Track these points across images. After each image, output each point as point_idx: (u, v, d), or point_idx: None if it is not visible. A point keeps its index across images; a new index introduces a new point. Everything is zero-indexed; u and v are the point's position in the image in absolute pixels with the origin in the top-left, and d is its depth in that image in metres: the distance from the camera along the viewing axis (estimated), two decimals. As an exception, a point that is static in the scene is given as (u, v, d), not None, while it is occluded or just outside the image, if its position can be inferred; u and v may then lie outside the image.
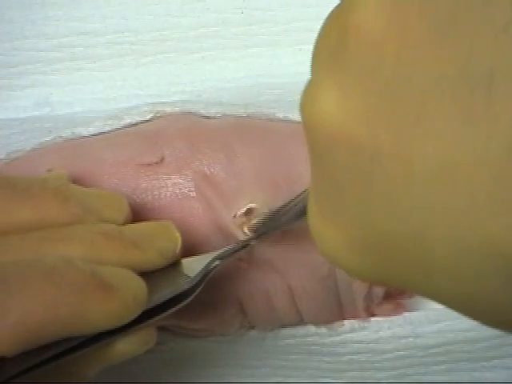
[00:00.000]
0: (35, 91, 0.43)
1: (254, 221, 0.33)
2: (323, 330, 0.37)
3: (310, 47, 0.44)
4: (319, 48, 0.20)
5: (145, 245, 0.28)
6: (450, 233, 0.16)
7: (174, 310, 0.28)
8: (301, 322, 0.37)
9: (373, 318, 0.37)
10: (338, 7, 0.20)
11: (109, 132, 0.38)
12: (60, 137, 0.39)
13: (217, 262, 0.31)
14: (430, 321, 0.37)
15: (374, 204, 0.18)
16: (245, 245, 0.33)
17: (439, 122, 0.16)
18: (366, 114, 0.18)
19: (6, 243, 0.26)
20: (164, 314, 0.28)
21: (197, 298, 0.30)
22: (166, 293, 0.28)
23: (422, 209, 0.17)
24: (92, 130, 0.39)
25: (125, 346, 0.27)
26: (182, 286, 0.29)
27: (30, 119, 0.42)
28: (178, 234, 0.30)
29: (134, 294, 0.26)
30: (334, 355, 0.37)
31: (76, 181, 0.33)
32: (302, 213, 0.29)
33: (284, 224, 0.31)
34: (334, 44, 0.19)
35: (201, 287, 0.29)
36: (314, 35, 0.41)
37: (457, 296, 0.18)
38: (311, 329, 0.37)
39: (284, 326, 0.37)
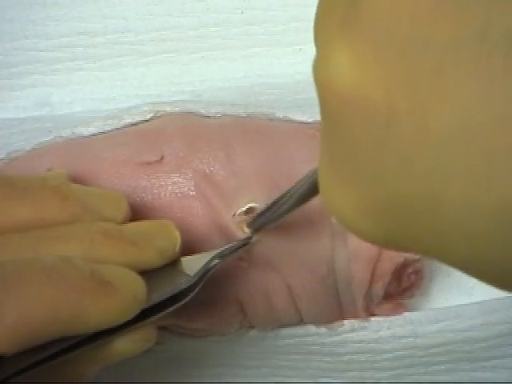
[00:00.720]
0: (35, 91, 0.43)
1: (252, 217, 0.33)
2: (323, 329, 0.37)
3: (310, 47, 0.44)
4: (327, 9, 0.20)
5: (144, 243, 0.28)
6: (466, 194, 0.16)
7: (172, 308, 0.28)
8: (300, 321, 0.37)
9: (373, 318, 0.37)
10: None
11: (109, 132, 0.39)
12: (60, 137, 0.39)
13: (216, 261, 0.31)
14: (430, 321, 0.37)
15: (388, 166, 0.18)
16: (244, 243, 0.33)
17: (457, 83, 0.16)
18: (382, 76, 0.18)
19: (5, 242, 0.26)
20: (163, 313, 0.28)
21: (196, 298, 0.30)
22: (165, 291, 0.28)
23: (437, 171, 0.17)
24: (92, 129, 0.39)
25: (123, 345, 0.27)
26: (181, 284, 0.29)
27: (30, 119, 0.42)
28: (177, 233, 0.30)
29: (133, 292, 0.26)
30: (334, 355, 0.37)
31: (76, 180, 0.33)
32: (299, 203, 0.29)
33: (281, 215, 0.31)
34: (345, 4, 0.19)
35: (200, 286, 0.29)
36: (313, 35, 0.42)
37: (471, 258, 0.18)
38: (311, 328, 0.37)
39: (284, 325, 0.37)
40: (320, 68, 0.20)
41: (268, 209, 0.32)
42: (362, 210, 0.20)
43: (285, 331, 0.37)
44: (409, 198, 0.18)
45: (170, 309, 0.28)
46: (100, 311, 0.24)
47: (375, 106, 0.18)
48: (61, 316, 0.23)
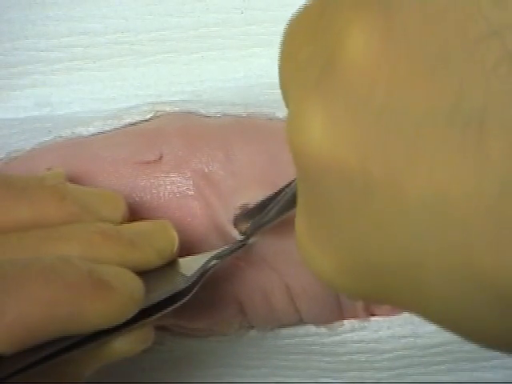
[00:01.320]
0: (35, 91, 0.43)
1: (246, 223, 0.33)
2: (323, 329, 0.37)
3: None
4: (302, 67, 0.20)
5: (142, 244, 0.28)
6: (445, 264, 0.16)
7: (170, 309, 0.28)
8: (300, 321, 0.37)
9: (373, 318, 0.37)
10: (326, 26, 0.19)
11: (108, 132, 0.39)
12: (60, 137, 0.39)
13: (214, 262, 0.31)
14: (430, 320, 0.37)
15: (366, 233, 0.18)
16: (242, 244, 0.33)
17: (432, 156, 0.16)
18: (357, 142, 0.17)
19: (3, 242, 0.26)
20: (161, 314, 0.28)
21: (196, 298, 0.30)
22: (162, 292, 0.28)
23: (415, 240, 0.17)
24: (92, 129, 0.39)
25: (122, 345, 0.27)
26: (179, 285, 0.29)
27: (30, 119, 0.42)
28: (175, 234, 0.30)
29: (131, 292, 0.26)
30: (334, 355, 0.37)
31: (74, 179, 0.33)
32: (293, 203, 0.29)
33: (276, 215, 0.31)
34: (321, 66, 0.18)
35: (198, 286, 0.29)
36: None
37: (448, 320, 0.18)
38: (311, 328, 0.37)
39: (283, 325, 0.37)
40: (293, 128, 0.19)
41: (258, 209, 0.32)
42: (340, 270, 0.20)
43: (285, 331, 0.37)
44: (388, 263, 0.18)
45: (168, 309, 0.28)
46: (98, 311, 0.24)
47: (351, 172, 0.17)
48: (59, 315, 0.23)
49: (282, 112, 0.38)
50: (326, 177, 0.18)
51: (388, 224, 0.17)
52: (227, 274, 0.35)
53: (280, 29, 0.43)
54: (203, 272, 0.30)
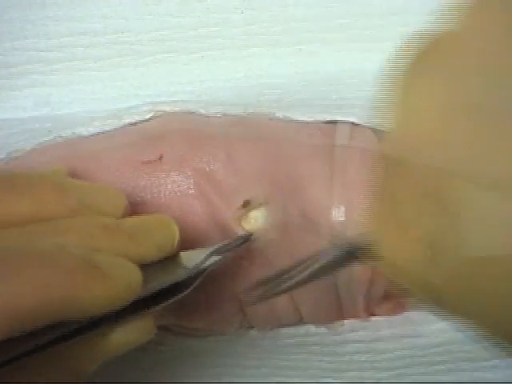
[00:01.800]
0: (35, 91, 0.43)
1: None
2: (323, 329, 0.37)
3: (310, 47, 0.44)
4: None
5: (142, 238, 0.28)
6: None
7: (171, 301, 0.28)
8: (300, 321, 0.37)
9: (373, 318, 0.37)
10: None
11: (108, 132, 0.39)
12: (60, 137, 0.39)
13: (215, 257, 0.31)
14: (430, 320, 0.37)
15: None
16: (244, 240, 0.33)
17: None
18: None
19: (4, 236, 0.26)
20: (161, 305, 0.28)
21: (196, 296, 0.30)
22: (163, 281, 0.28)
23: None
24: (92, 129, 0.39)
25: (122, 337, 0.27)
26: (180, 276, 0.28)
27: (30, 119, 0.42)
28: (176, 228, 0.30)
29: (127, 280, 0.26)
30: (334, 355, 0.37)
31: (75, 178, 0.33)
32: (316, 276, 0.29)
33: (295, 285, 0.31)
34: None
35: (199, 280, 0.29)
36: (313, 35, 0.42)
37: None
38: (311, 328, 0.37)
39: (283, 325, 0.37)
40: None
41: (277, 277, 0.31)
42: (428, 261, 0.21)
43: (285, 331, 0.37)
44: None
45: (169, 301, 0.28)
46: (92, 297, 0.24)
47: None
48: (51, 300, 0.23)
49: (281, 112, 0.38)
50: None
51: None
52: (228, 272, 0.35)
53: (280, 29, 0.43)
54: (205, 266, 0.30)
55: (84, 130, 0.39)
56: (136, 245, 0.28)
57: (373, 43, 0.42)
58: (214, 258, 0.30)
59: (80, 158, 0.36)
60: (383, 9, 0.41)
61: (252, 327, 0.37)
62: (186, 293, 0.29)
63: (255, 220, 0.34)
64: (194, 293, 0.29)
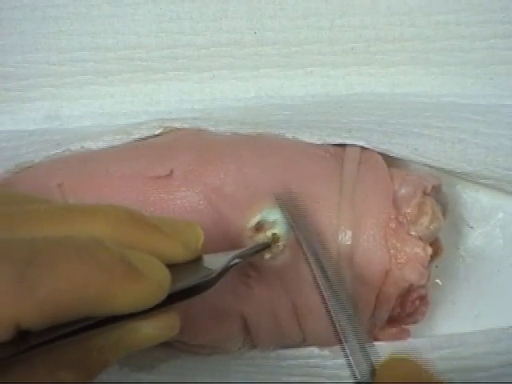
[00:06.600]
0: (45, 104, 0.43)
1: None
2: (326, 352, 0.37)
3: (321, 70, 0.44)
4: None
5: (169, 233, 0.28)
6: None
7: (194, 297, 0.28)
8: (303, 342, 0.37)
9: (376, 343, 0.37)
10: None
11: (117, 146, 0.39)
12: (69, 150, 0.39)
13: (237, 260, 0.31)
14: (434, 347, 0.37)
15: None
16: (264, 246, 0.34)
17: None
18: None
19: (32, 214, 0.25)
20: (184, 301, 0.28)
21: (199, 312, 0.30)
22: (188, 281, 0.28)
23: None
24: (101, 144, 0.39)
25: (148, 331, 0.27)
26: (204, 276, 0.29)
27: (40, 131, 0.42)
28: (200, 230, 0.30)
29: (158, 280, 0.26)
30: (337, 377, 0.37)
31: (84, 194, 0.33)
32: None
33: None
34: None
35: (220, 280, 0.30)
36: (325, 58, 0.42)
37: None
38: (314, 350, 0.37)
39: (286, 345, 0.37)
40: None
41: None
42: None
43: (287, 352, 0.37)
44: None
45: (192, 297, 0.28)
46: (127, 295, 0.24)
47: None
48: (89, 296, 0.23)
49: (291, 133, 0.38)
50: None
51: None
52: (234, 289, 0.35)
53: (292, 50, 0.43)
54: (226, 268, 0.30)
55: (93, 144, 0.39)
56: (164, 238, 0.28)
57: (384, 68, 0.42)
58: (235, 261, 0.31)
59: (89, 172, 0.36)
60: (395, 35, 0.41)
61: (255, 347, 0.37)
62: (206, 292, 0.29)
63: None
64: (197, 308, 0.30)
